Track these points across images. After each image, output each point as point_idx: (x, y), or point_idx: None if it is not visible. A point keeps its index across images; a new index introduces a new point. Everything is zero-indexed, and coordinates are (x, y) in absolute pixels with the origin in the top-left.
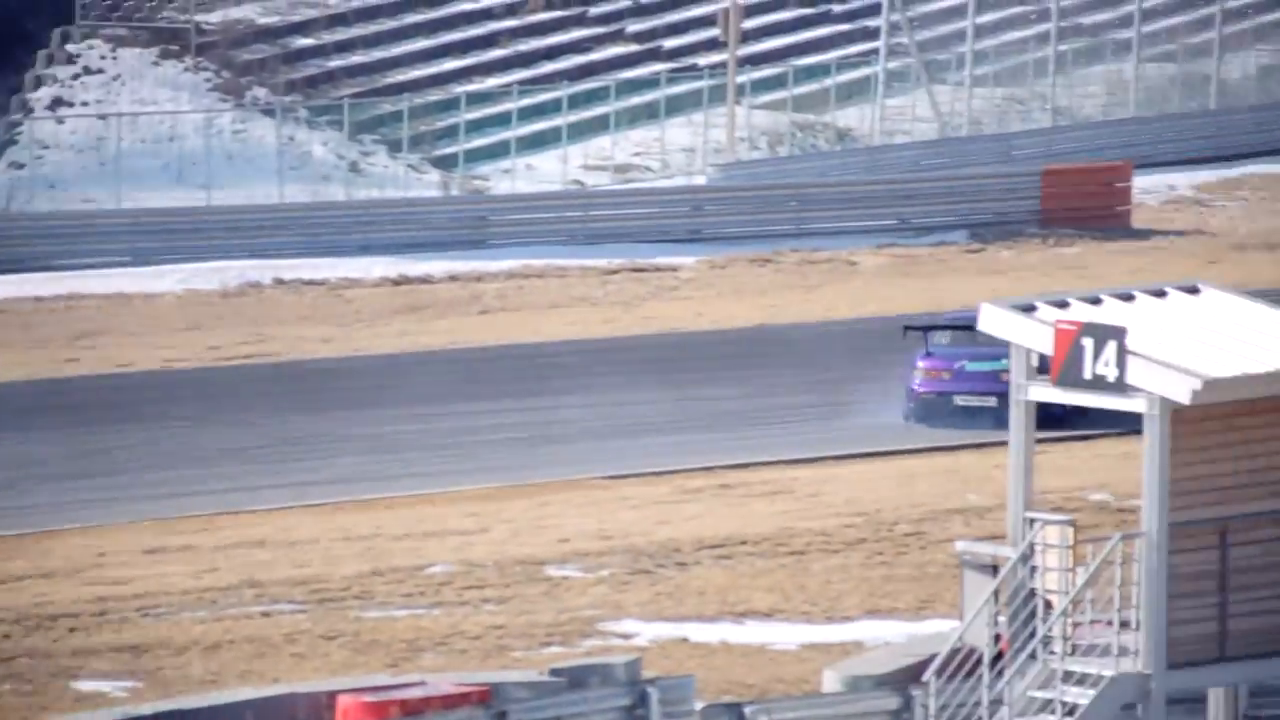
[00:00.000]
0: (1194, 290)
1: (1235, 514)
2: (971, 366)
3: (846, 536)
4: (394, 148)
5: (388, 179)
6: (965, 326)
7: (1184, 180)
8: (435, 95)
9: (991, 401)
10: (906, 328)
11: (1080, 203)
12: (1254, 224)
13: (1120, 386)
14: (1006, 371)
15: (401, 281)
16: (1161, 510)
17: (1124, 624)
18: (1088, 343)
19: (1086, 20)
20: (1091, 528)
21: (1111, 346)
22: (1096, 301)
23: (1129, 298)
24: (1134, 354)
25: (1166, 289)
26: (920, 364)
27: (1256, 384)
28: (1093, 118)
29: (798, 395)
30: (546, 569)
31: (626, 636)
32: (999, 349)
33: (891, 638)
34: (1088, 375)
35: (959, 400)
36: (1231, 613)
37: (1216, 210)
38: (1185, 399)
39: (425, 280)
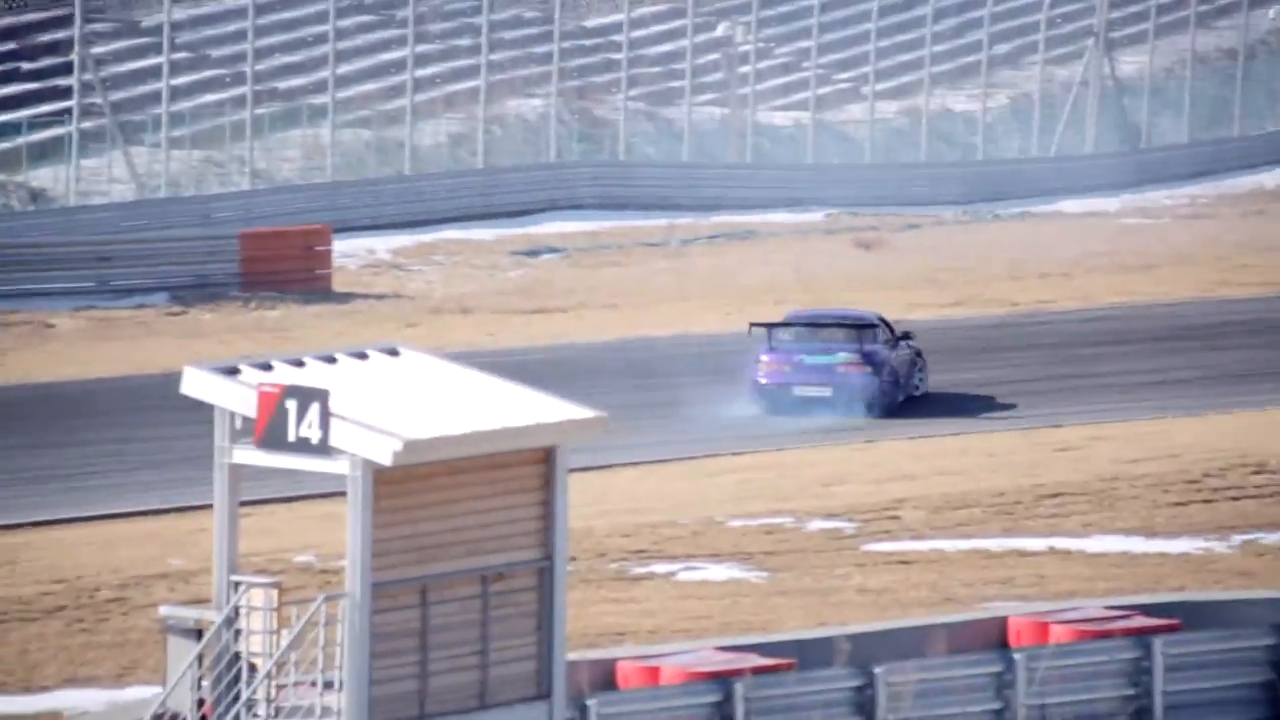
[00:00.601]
0: (394, 352)
1: (435, 573)
2: (809, 360)
3: (45, 604)
4: None
5: None
6: (806, 324)
7: (382, 244)
8: None
9: (827, 392)
10: (752, 324)
11: (281, 266)
12: (449, 288)
13: (324, 449)
14: (842, 364)
15: None
16: (365, 571)
17: (328, 685)
18: (291, 405)
19: (282, 85)
20: (298, 589)
21: (315, 409)
22: (300, 364)
23: (331, 360)
24: (337, 416)
25: (368, 351)
26: (763, 358)
27: (455, 445)
28: (291, 181)
29: None
30: None
31: None
32: (835, 344)
33: (90, 706)
34: (292, 438)
35: (797, 391)
36: (431, 670)
37: (414, 274)
38: (387, 460)
39: None
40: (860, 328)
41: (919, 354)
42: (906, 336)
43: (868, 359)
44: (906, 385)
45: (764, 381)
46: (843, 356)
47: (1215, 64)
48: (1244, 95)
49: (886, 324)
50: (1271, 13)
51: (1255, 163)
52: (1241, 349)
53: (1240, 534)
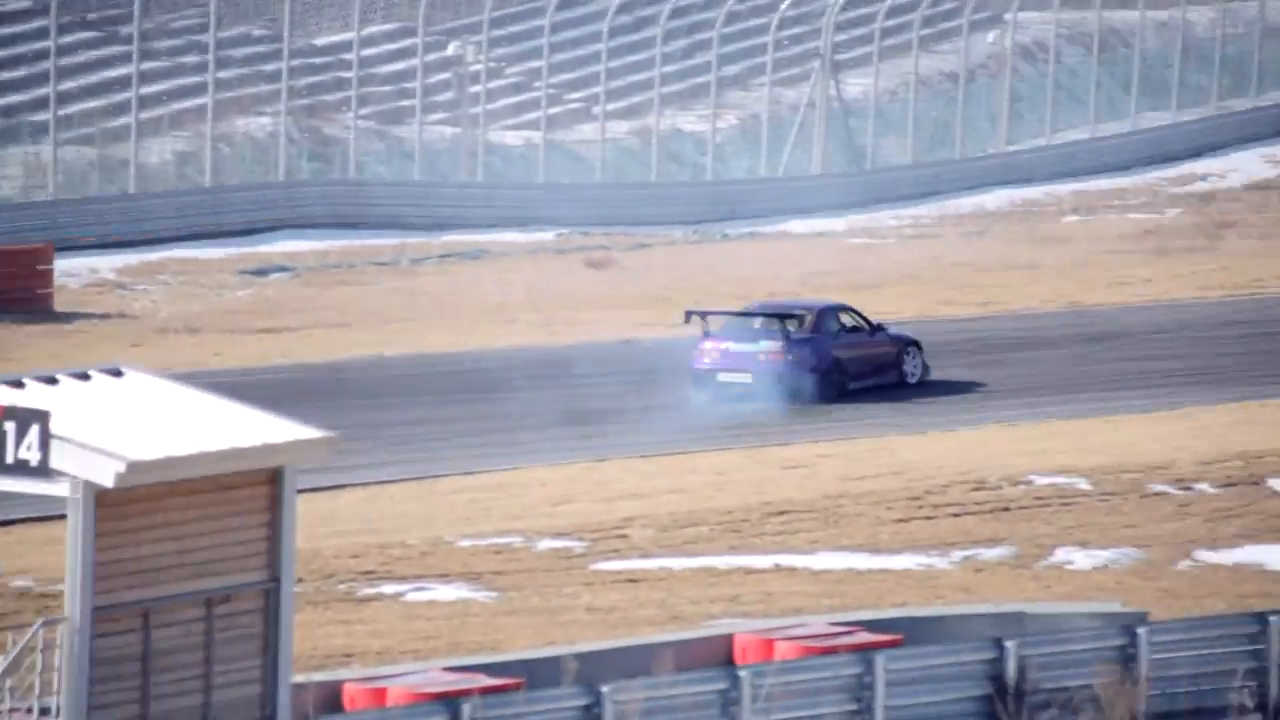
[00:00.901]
0: (117, 373)
1: (159, 596)
2: (735, 347)
3: None
4: None
5: None
6: (740, 314)
7: (106, 264)
8: None
9: (746, 378)
10: (688, 311)
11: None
12: (175, 307)
13: (44, 471)
14: (763, 352)
15: None
16: (85, 594)
17: (44, 711)
18: (10, 427)
19: (1, 101)
20: (15, 615)
21: (34, 430)
22: (19, 385)
23: (53, 381)
24: (57, 437)
25: (90, 372)
26: (703, 345)
27: (180, 466)
28: (12, 199)
29: None
30: None
31: None
32: (762, 333)
33: None
34: (10, 460)
35: (721, 377)
36: (154, 694)
37: (139, 294)
38: (109, 482)
39: None
40: (789, 317)
41: (911, 344)
42: (881, 328)
43: (793, 347)
44: (893, 372)
45: (697, 367)
46: (764, 344)
47: (937, 87)
48: (965, 117)
49: (858, 314)
50: (991, 37)
51: (976, 184)
52: (960, 367)
53: (961, 550)
